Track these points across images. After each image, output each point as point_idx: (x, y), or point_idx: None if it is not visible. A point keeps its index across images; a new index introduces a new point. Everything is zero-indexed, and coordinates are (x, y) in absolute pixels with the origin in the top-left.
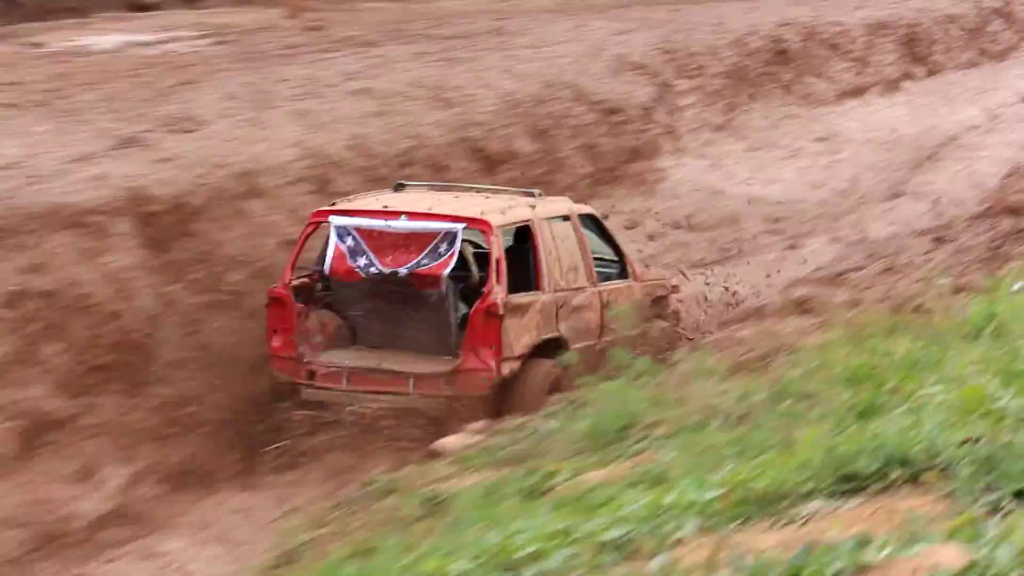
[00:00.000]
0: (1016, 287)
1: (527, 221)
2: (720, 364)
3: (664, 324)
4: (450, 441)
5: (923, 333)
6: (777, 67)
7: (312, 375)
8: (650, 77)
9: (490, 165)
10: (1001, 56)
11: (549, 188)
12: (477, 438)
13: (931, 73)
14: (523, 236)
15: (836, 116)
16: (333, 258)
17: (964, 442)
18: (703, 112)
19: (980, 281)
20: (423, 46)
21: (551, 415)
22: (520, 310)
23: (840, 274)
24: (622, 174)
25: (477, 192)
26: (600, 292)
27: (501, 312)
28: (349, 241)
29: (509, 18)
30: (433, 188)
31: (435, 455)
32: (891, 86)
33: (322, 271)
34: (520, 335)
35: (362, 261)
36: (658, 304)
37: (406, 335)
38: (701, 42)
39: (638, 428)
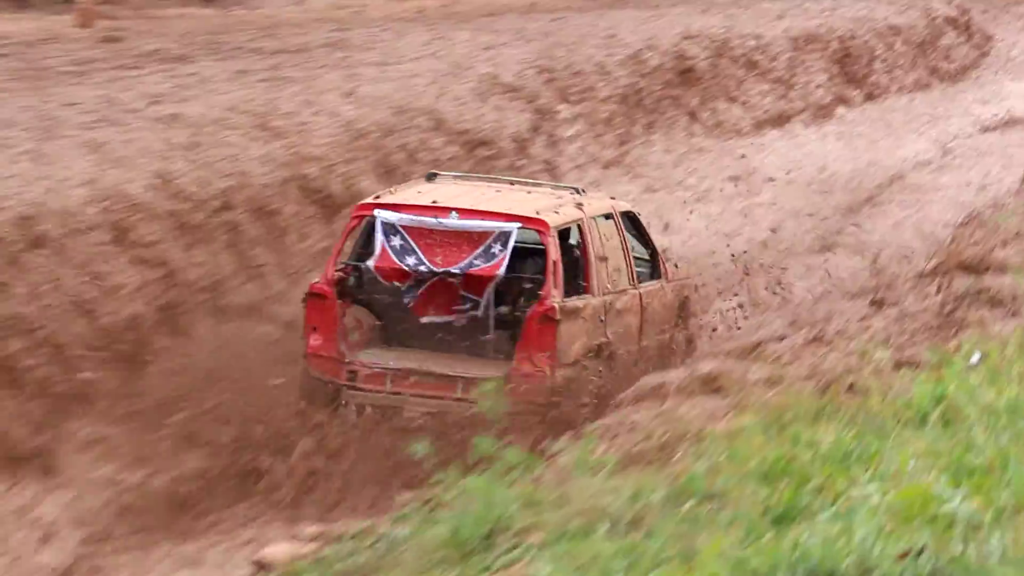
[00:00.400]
0: (973, 360)
1: (579, 220)
2: (609, 456)
3: (687, 330)
4: (278, 551)
5: (857, 419)
6: (681, 90)
7: (354, 375)
8: (525, 102)
9: (328, 210)
10: (956, 77)
11: None
12: (310, 547)
13: (870, 97)
14: (567, 235)
15: (754, 150)
16: (379, 255)
17: (904, 555)
18: (590, 145)
19: (927, 354)
20: (245, 62)
21: (402, 519)
22: (574, 314)
23: (757, 345)
24: None
25: (516, 185)
26: (640, 294)
27: (558, 317)
28: (396, 239)
29: (351, 29)
30: (467, 179)
31: (261, 567)
32: (821, 113)
33: (355, 266)
34: (574, 341)
35: (411, 260)
36: (683, 307)
37: (447, 336)
38: (588, 59)
39: (508, 535)
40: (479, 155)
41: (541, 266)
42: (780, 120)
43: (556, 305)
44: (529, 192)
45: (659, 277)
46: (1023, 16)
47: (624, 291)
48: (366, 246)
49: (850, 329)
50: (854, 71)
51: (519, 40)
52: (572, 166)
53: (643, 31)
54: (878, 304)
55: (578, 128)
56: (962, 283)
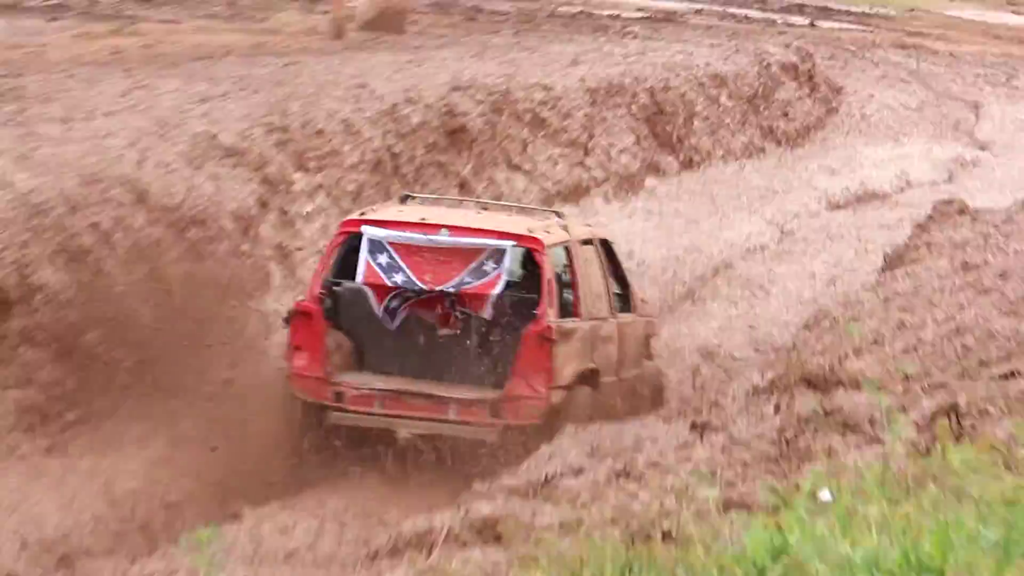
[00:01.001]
0: (822, 497)
1: (567, 242)
2: None
3: (651, 365)
4: None
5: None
6: (450, 154)
7: (341, 397)
8: (251, 169)
9: None
10: (797, 139)
11: None
12: None
13: (688, 165)
14: (561, 259)
15: None
16: (365, 273)
17: None
18: (334, 224)
19: (763, 493)
20: None
21: None
22: (568, 336)
23: (548, 480)
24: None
25: (496, 208)
26: (618, 324)
27: (554, 337)
28: (383, 256)
29: (26, 74)
30: (442, 201)
31: None
32: (627, 185)
33: (349, 287)
34: (567, 363)
35: (399, 277)
36: (647, 344)
37: (432, 357)
38: (331, 115)
39: None
40: (192, 237)
41: (528, 286)
42: (576, 193)
43: (553, 325)
44: (512, 214)
45: (631, 310)
46: (880, 63)
47: (604, 319)
48: (349, 264)
49: (666, 460)
50: (668, 132)
51: (242, 90)
52: (314, 251)
53: (401, 80)
54: (701, 428)
55: (319, 203)
56: (806, 402)
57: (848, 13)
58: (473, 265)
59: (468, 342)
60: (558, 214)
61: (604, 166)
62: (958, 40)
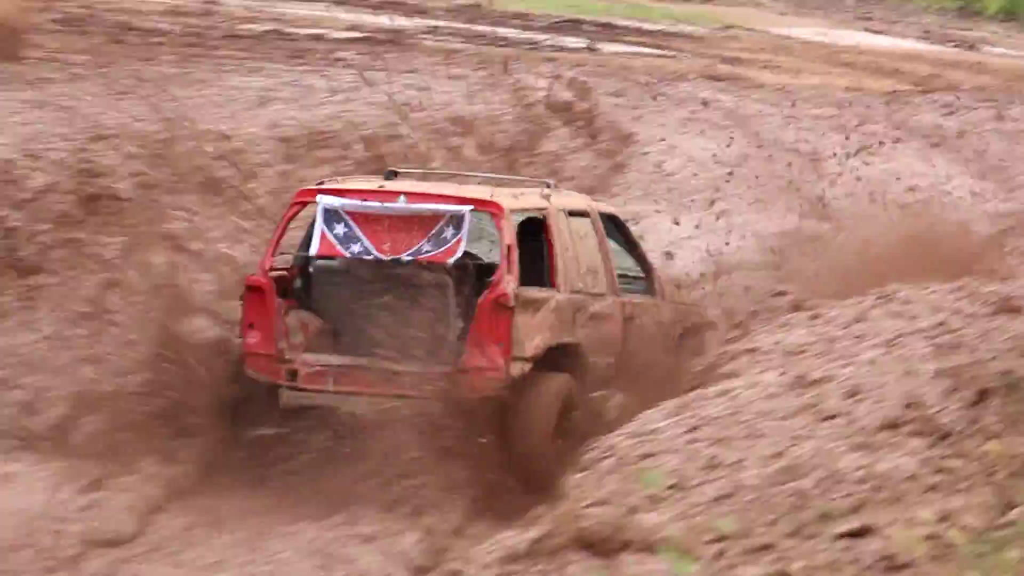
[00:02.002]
0: None
1: (542, 210)
2: None
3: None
4: None
5: None
6: (89, 229)
7: (294, 375)
8: None
9: None
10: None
11: None
12: None
13: None
14: (537, 229)
15: None
16: (320, 244)
17: None
18: None
19: None
20: None
21: None
22: (532, 305)
23: None
24: None
25: (482, 181)
26: (623, 303)
27: (512, 304)
28: (340, 226)
29: None
30: (431, 175)
31: None
32: None
33: (305, 261)
34: (532, 334)
35: (356, 247)
36: (688, 338)
37: (396, 332)
38: None
39: None
40: None
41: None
42: None
43: (510, 291)
44: (494, 184)
45: (652, 293)
46: (685, 101)
47: (601, 295)
48: (311, 235)
49: None
50: None
51: None
52: None
53: (17, 128)
54: None
55: None
56: (581, 573)
57: (640, 32)
58: (432, 232)
59: (429, 314)
60: (548, 184)
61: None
62: (793, 68)
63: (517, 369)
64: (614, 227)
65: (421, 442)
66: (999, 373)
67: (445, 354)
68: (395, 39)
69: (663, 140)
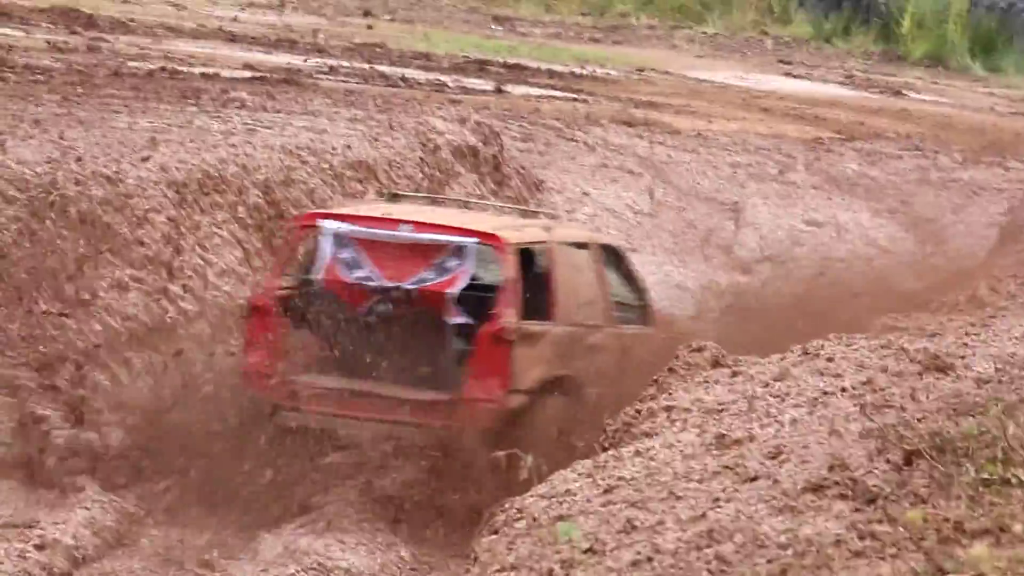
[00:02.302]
0: None
1: (543, 243)
2: None
3: None
4: None
5: None
6: None
7: (294, 396)
8: None
9: None
10: None
11: None
12: None
13: None
14: (534, 260)
15: None
16: (327, 269)
17: None
18: None
19: None
20: None
21: None
22: (531, 338)
23: None
24: None
25: (483, 209)
26: (620, 334)
27: (511, 338)
28: (344, 251)
29: None
30: (433, 201)
31: None
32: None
33: (307, 282)
34: (530, 366)
35: (360, 273)
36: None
37: (400, 358)
38: None
39: None
40: None
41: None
42: (157, 335)
43: (510, 325)
44: (496, 215)
45: (649, 323)
46: (598, 146)
47: (598, 327)
48: (316, 260)
49: None
50: None
51: None
52: None
53: None
54: None
55: None
56: None
57: (550, 74)
58: (435, 262)
59: (430, 343)
60: (550, 215)
61: (198, 295)
62: (710, 114)
63: (515, 401)
64: (613, 258)
65: (417, 467)
66: (928, 434)
67: (445, 383)
68: (291, 79)
69: (575, 187)
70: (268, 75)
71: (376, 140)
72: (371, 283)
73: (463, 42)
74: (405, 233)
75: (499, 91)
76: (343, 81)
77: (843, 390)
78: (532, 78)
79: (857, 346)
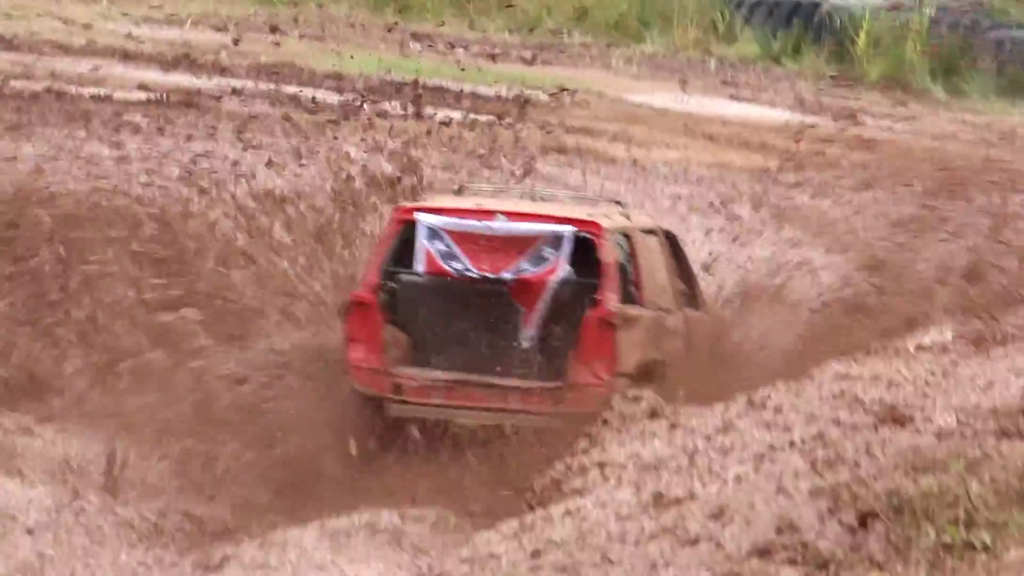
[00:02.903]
0: None
1: (628, 229)
2: None
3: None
4: None
5: None
6: None
7: (399, 389)
8: None
9: None
10: None
11: None
12: None
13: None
14: (622, 247)
15: None
16: (424, 261)
17: None
18: None
19: None
20: None
21: None
22: (630, 323)
23: None
24: None
25: (553, 200)
26: (686, 318)
27: (617, 322)
28: (439, 244)
29: None
30: (500, 192)
31: None
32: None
33: (406, 275)
34: (631, 351)
35: (456, 265)
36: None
37: (489, 349)
38: None
39: None
40: None
41: (586, 274)
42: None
43: (616, 310)
44: (572, 203)
45: (699, 307)
46: (523, 177)
47: (670, 311)
48: (405, 253)
49: None
50: (191, 283)
51: None
52: None
53: None
54: None
55: None
56: None
57: (473, 96)
58: (531, 252)
59: (527, 331)
60: (618, 203)
61: (86, 339)
62: (647, 141)
63: (620, 384)
64: (671, 243)
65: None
66: (884, 493)
67: (552, 369)
68: (191, 101)
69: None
70: (165, 97)
71: (284, 169)
72: (471, 274)
73: (379, 61)
74: (500, 224)
75: (418, 115)
76: (248, 104)
77: (792, 444)
78: (455, 101)
79: (807, 396)
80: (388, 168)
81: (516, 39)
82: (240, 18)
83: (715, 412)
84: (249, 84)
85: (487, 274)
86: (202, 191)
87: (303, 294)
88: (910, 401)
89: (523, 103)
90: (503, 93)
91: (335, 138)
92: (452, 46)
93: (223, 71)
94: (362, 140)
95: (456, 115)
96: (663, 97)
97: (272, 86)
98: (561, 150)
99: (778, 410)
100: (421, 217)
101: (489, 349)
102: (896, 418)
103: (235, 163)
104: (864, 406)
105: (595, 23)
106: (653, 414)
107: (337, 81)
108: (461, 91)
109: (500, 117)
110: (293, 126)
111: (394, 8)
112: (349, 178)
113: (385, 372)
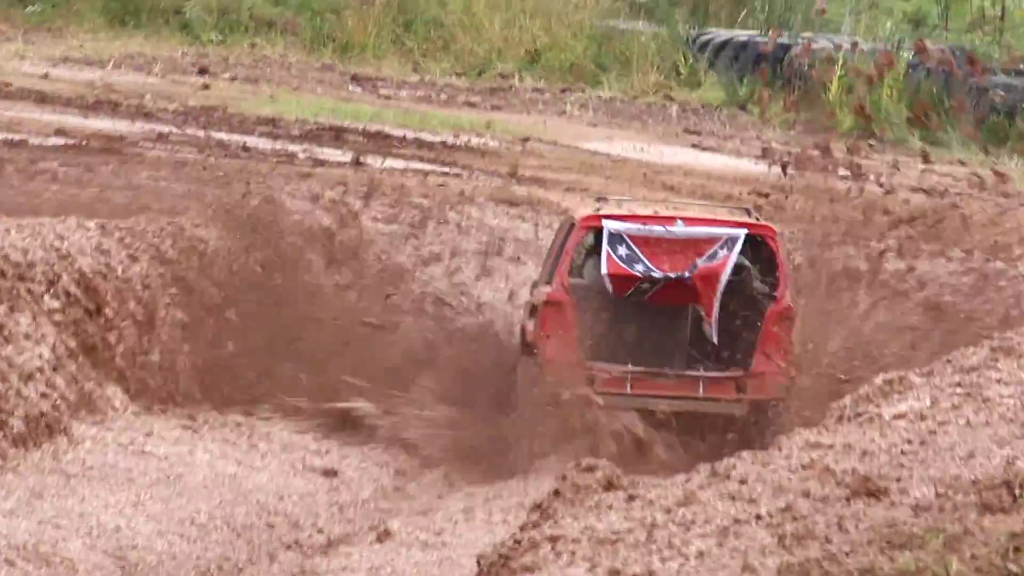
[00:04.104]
0: None
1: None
2: None
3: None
4: None
5: None
6: None
7: (592, 381)
8: None
9: None
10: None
11: None
12: None
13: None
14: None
15: None
16: (608, 265)
17: None
18: None
19: None
20: None
21: None
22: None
23: None
24: None
25: (692, 207)
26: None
27: (794, 316)
28: (622, 248)
29: None
30: (637, 203)
31: None
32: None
33: (592, 277)
34: (795, 342)
35: (639, 267)
36: None
37: (667, 343)
38: None
39: None
40: None
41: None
42: None
43: (793, 305)
44: (709, 210)
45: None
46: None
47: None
48: (588, 257)
49: None
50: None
51: None
52: None
53: None
54: None
55: None
56: None
57: (418, 144)
58: (707, 254)
59: (709, 325)
60: (748, 210)
61: (1, 400)
62: (604, 192)
63: (795, 372)
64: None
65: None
66: (857, 571)
67: (735, 360)
68: (113, 147)
69: (444, 279)
70: (85, 143)
71: (212, 221)
72: (655, 275)
73: (316, 105)
74: (682, 228)
75: (358, 163)
76: (174, 150)
77: (758, 518)
78: (397, 148)
79: (774, 466)
80: (325, 220)
81: (463, 83)
82: (166, 58)
83: (676, 482)
84: (175, 130)
85: (671, 274)
86: (125, 245)
87: (230, 354)
88: (885, 472)
89: (471, 151)
90: (449, 140)
91: (268, 188)
92: (395, 89)
93: (148, 115)
94: (298, 190)
95: (398, 163)
96: (621, 145)
97: (201, 132)
98: (512, 202)
99: (743, 481)
100: (608, 224)
101: (674, 342)
102: (870, 490)
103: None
104: (836, 477)
105: (548, 66)
106: (609, 484)
107: (271, 126)
108: (404, 137)
109: (445, 166)
110: (223, 175)
111: (332, 49)
112: (283, 230)
113: (580, 365)
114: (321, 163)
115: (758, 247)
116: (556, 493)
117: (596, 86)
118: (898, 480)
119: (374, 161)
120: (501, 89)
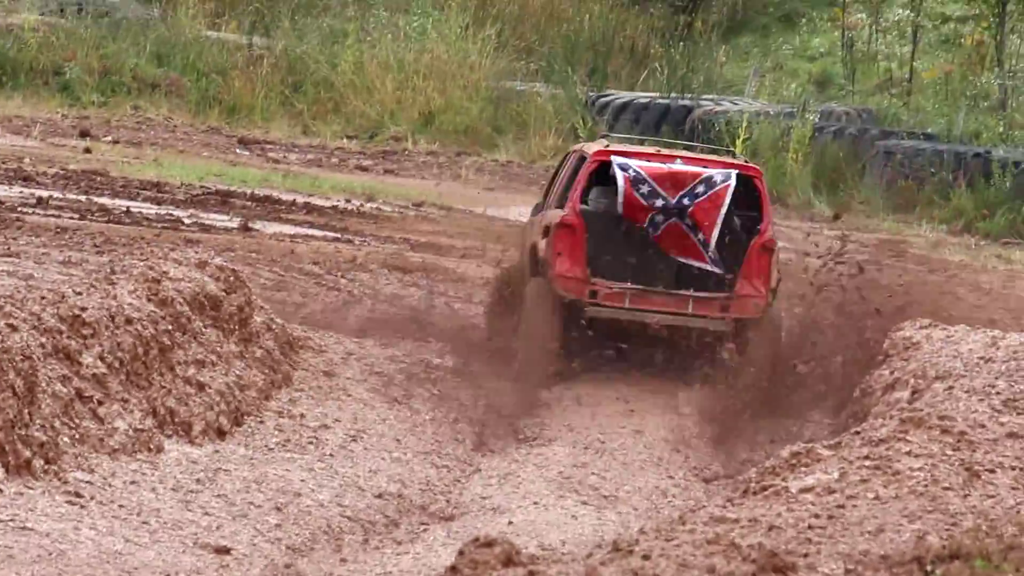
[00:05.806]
0: None
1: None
2: None
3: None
4: None
5: None
6: None
7: (595, 294)
8: None
9: None
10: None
11: None
12: None
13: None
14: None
15: None
16: (625, 195)
17: None
18: None
19: None
20: None
21: None
22: (776, 250)
23: None
24: None
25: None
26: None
27: (774, 248)
28: (644, 187)
29: None
30: (640, 143)
31: None
32: None
33: (604, 203)
34: (774, 271)
35: (645, 189)
36: None
37: (664, 267)
38: None
39: None
40: None
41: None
42: None
43: (774, 237)
44: (699, 153)
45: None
46: (362, 298)
47: None
48: (595, 188)
49: None
50: None
51: None
52: None
53: None
54: None
55: None
56: None
57: (308, 208)
58: (704, 183)
59: (706, 250)
60: (732, 152)
61: None
62: (502, 260)
63: (772, 298)
64: None
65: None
66: None
67: (721, 283)
68: None
69: (338, 346)
70: None
71: (94, 289)
72: (660, 203)
73: (202, 169)
74: (679, 167)
75: (246, 229)
76: (55, 216)
77: None
78: (286, 213)
79: (679, 541)
80: (213, 288)
81: (355, 146)
82: (45, 120)
83: (577, 558)
84: (56, 194)
85: (671, 200)
86: (3, 314)
87: (122, 422)
88: (792, 548)
89: (363, 216)
90: (340, 204)
91: (153, 255)
92: (283, 152)
93: (26, 179)
94: (183, 257)
95: (287, 229)
96: (519, 210)
97: (82, 196)
98: (405, 268)
99: (647, 556)
100: (617, 159)
101: (669, 265)
102: (777, 566)
103: (40, 282)
104: (742, 553)
105: (443, 129)
106: (508, 561)
107: (156, 191)
108: (294, 202)
109: (336, 231)
110: (106, 241)
111: (219, 111)
112: (169, 300)
113: (585, 280)
114: (207, 228)
115: (745, 185)
116: (453, 569)
117: (492, 149)
118: (805, 556)
119: (262, 226)
120: (394, 152)
